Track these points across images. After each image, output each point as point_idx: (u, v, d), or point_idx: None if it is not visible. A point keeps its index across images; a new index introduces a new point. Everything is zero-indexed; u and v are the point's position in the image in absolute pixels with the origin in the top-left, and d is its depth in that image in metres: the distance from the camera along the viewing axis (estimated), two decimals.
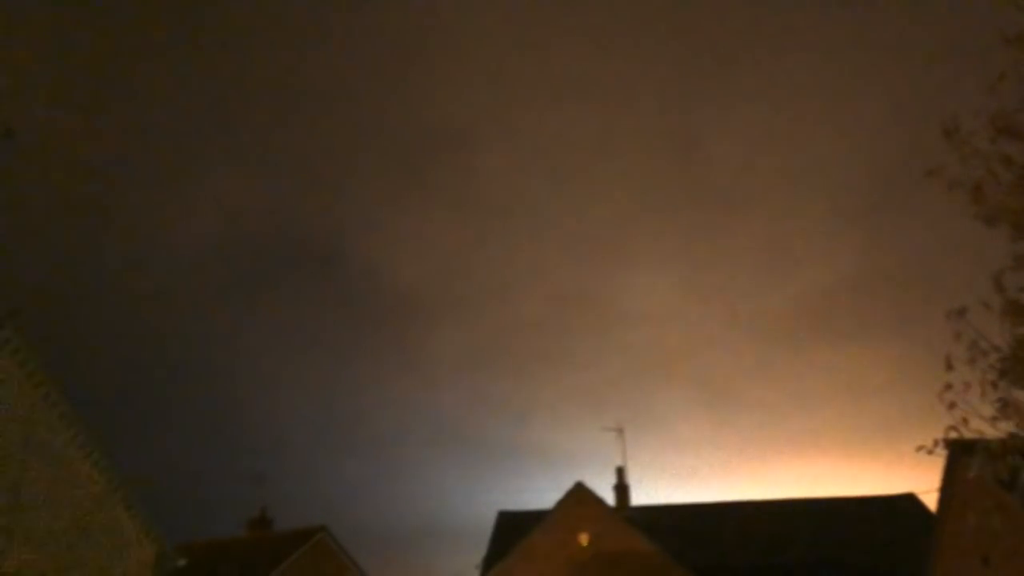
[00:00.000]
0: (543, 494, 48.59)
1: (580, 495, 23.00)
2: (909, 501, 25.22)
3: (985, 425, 5.69)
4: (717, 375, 52.52)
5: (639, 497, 26.65)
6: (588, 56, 49.77)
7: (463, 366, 58.03)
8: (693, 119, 49.42)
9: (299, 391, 60.11)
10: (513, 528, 24.23)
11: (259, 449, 55.33)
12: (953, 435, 5.83)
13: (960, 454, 14.98)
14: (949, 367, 5.71)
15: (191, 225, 56.70)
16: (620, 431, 25.74)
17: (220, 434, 58.04)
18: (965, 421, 5.70)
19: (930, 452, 6.04)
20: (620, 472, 25.98)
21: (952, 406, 5.69)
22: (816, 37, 46.55)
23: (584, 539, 22.30)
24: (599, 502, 23.19)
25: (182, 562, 17.22)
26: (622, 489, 25.75)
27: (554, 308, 55.66)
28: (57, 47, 45.94)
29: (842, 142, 46.84)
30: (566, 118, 52.85)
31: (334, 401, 60.05)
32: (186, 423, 56.40)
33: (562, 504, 23.04)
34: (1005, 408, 5.60)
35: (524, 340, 58.06)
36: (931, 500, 21.50)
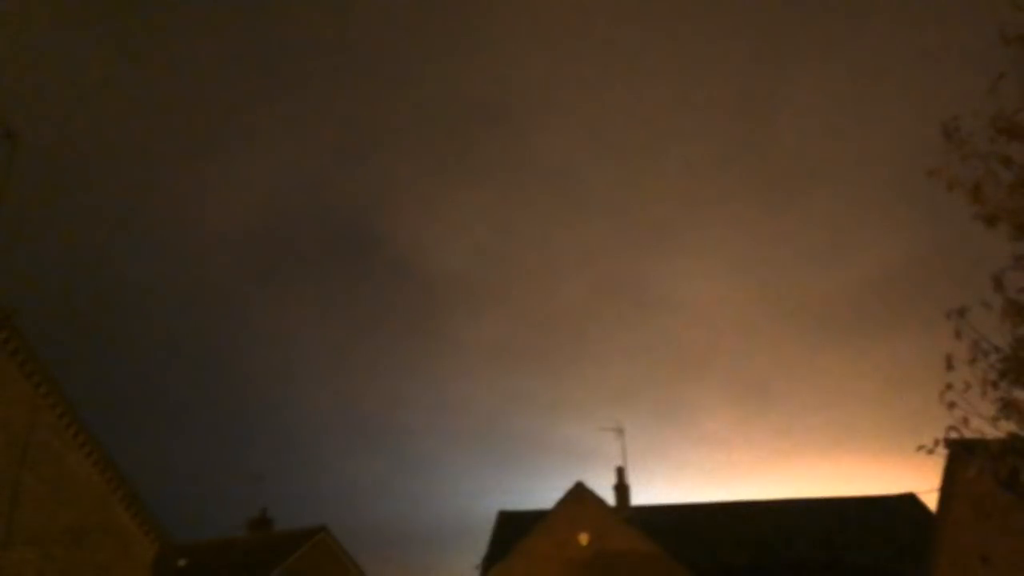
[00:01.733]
0: (543, 494, 47.93)
1: (580, 495, 22.99)
2: (909, 501, 25.21)
3: (985, 425, 5.68)
4: (751, 369, 50.65)
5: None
6: (653, 33, 47.86)
7: (493, 358, 55.48)
8: (756, 105, 48.03)
9: (316, 386, 58.06)
10: (513, 528, 24.22)
11: (263, 448, 54.65)
12: (953, 435, 5.82)
13: (960, 454, 14.96)
14: (949, 367, 5.70)
15: (223, 210, 54.22)
16: (620, 431, 25.77)
17: (222, 434, 57.49)
18: (965, 421, 5.69)
19: (930, 452, 6.04)
20: (620, 472, 25.97)
21: (952, 406, 5.68)
22: (868, 39, 45.82)
23: (584, 539, 22.29)
24: (599, 502, 23.18)
25: (182, 562, 17.23)
26: (622, 489, 25.74)
27: (595, 296, 53.26)
28: (82, 25, 44.54)
29: (896, 130, 46.21)
30: (626, 95, 50.10)
31: (354, 395, 57.85)
32: (188, 422, 55.90)
33: (562, 504, 23.03)
34: (1005, 408, 5.59)
35: (560, 331, 55.46)
36: (931, 500, 21.51)
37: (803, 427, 50.63)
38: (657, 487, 60.17)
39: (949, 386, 5.68)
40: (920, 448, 6.07)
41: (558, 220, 54.31)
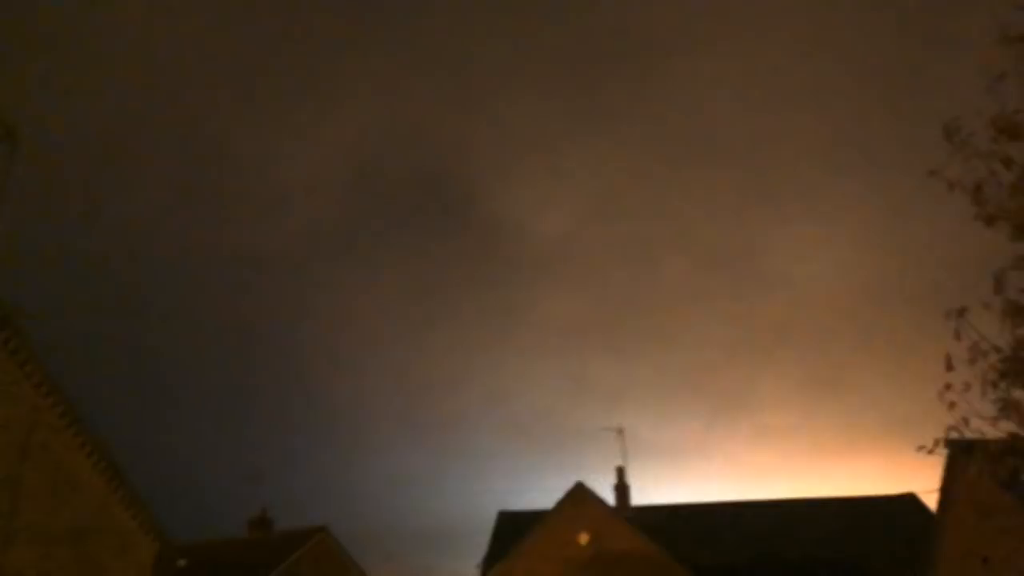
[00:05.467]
0: (543, 494, 47.03)
1: (580, 495, 23.00)
2: (909, 501, 25.22)
3: (985, 425, 5.69)
4: (826, 353, 46.57)
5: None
6: None
7: (561, 339, 49.63)
8: (907, 67, 42.82)
9: (351, 375, 52.88)
10: (513, 528, 24.22)
11: (264, 447, 53.74)
12: (953, 435, 5.83)
13: (960, 454, 14.97)
14: (949, 367, 5.70)
15: (301, 177, 47.94)
16: (620, 431, 25.82)
17: (223, 433, 56.92)
18: (965, 421, 5.69)
19: (930, 452, 6.04)
20: (620, 472, 26.00)
21: (952, 406, 5.68)
22: None
23: (584, 539, 22.29)
24: (599, 502, 23.19)
25: (182, 562, 17.21)
26: (622, 489, 25.78)
27: (695, 274, 47.67)
28: None
29: None
30: (766, 40, 43.36)
31: (400, 382, 53.01)
32: (187, 422, 55.41)
33: (562, 504, 23.04)
34: (1005, 408, 5.59)
35: (643, 313, 49.86)
36: (931, 500, 21.51)
37: (872, 419, 47.49)
38: (703, 483, 55.25)
39: (949, 386, 5.69)
40: (920, 448, 6.08)
41: (676, 178, 47.10)
